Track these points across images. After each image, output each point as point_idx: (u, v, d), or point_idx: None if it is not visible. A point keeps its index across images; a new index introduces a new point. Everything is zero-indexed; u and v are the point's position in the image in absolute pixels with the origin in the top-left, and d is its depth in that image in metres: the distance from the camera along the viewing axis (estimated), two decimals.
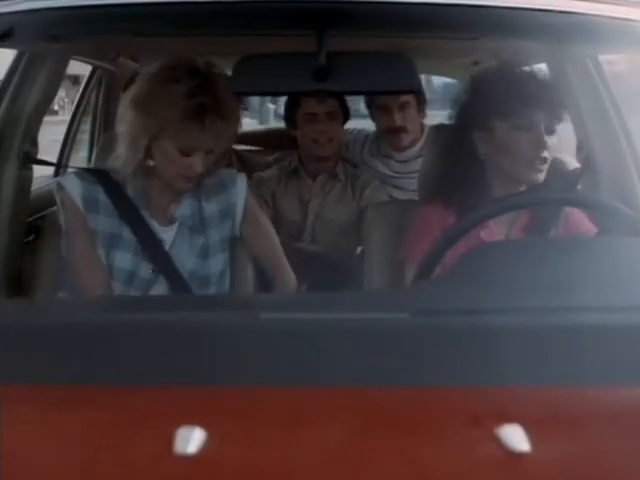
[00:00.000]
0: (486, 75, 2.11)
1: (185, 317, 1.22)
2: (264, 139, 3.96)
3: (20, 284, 2.14)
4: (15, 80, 2.25)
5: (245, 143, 3.78)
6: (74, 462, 0.96)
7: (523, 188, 1.91)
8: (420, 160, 2.73)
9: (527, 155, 1.87)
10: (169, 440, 0.95)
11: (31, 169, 2.28)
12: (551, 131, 1.87)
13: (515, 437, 0.95)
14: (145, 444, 0.99)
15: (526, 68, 2.05)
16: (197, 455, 0.93)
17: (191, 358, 1.12)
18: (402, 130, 3.07)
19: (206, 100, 1.80)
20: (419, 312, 1.22)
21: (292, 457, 0.96)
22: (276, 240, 2.10)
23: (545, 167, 1.87)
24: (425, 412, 1.08)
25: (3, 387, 1.06)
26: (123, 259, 1.88)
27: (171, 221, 1.94)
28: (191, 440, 0.94)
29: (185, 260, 1.92)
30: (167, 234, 1.93)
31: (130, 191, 1.91)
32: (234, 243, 2.03)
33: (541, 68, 2.19)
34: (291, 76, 1.90)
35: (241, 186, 2.00)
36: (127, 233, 1.89)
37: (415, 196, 2.34)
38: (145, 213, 1.91)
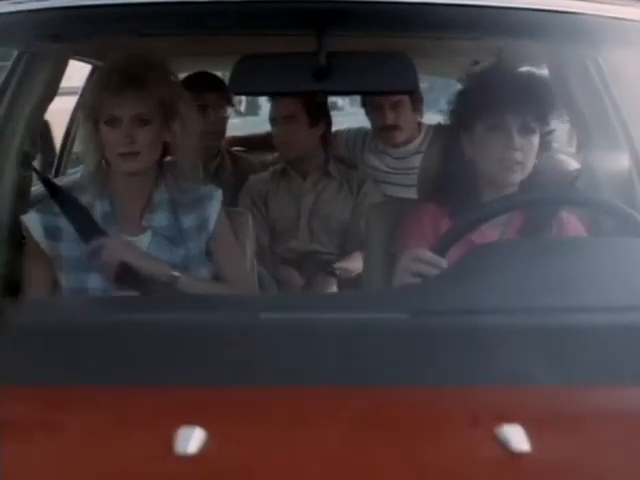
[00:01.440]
0: (472, 76, 2.12)
1: (185, 317, 1.22)
2: (265, 142, 3.95)
3: (20, 284, 2.14)
4: (15, 80, 2.24)
5: (244, 146, 3.77)
6: (74, 462, 0.96)
7: (511, 190, 1.91)
8: (417, 157, 2.74)
9: (497, 155, 1.87)
10: (169, 440, 0.95)
11: (31, 169, 2.27)
12: (529, 131, 1.87)
13: (515, 437, 0.95)
14: (145, 444, 0.99)
15: (514, 69, 2.06)
16: (197, 455, 0.93)
17: (191, 358, 1.12)
18: (395, 128, 3.06)
19: (114, 67, 1.87)
20: (419, 312, 1.22)
21: (292, 457, 0.96)
22: (243, 262, 2.07)
23: (519, 168, 1.87)
24: (425, 412, 1.08)
25: (3, 387, 1.06)
26: (96, 280, 1.88)
27: (143, 230, 1.94)
28: (191, 440, 0.94)
29: None
30: (140, 243, 1.92)
31: (99, 209, 1.92)
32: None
33: (527, 69, 2.19)
34: (291, 76, 1.90)
35: (216, 202, 1.99)
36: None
37: (410, 193, 2.35)
38: (113, 229, 1.91)
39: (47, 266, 1.93)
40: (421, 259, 1.53)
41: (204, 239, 1.97)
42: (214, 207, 1.98)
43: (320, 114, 2.88)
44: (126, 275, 1.84)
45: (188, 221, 1.96)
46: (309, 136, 2.86)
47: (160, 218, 1.94)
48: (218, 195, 2.00)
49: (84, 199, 1.94)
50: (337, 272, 2.73)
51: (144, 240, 1.93)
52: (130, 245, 1.89)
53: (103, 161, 1.92)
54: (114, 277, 1.84)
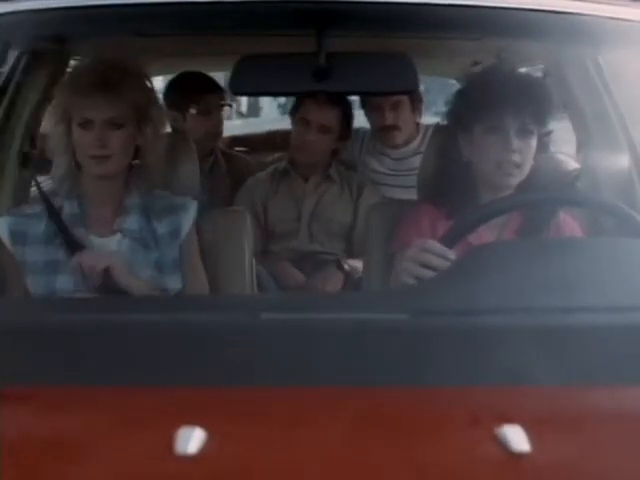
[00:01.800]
0: (470, 77, 2.12)
1: (185, 317, 1.23)
2: (265, 141, 3.94)
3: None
4: (15, 80, 2.25)
5: (245, 146, 3.76)
6: (74, 462, 0.96)
7: (508, 192, 1.91)
8: (416, 158, 2.74)
9: (495, 158, 1.88)
10: (169, 440, 0.95)
11: (31, 169, 2.28)
12: (527, 133, 1.87)
13: (515, 437, 0.95)
14: (145, 444, 0.99)
15: (513, 70, 2.06)
16: (197, 455, 0.93)
17: (191, 358, 1.12)
18: (394, 129, 3.06)
19: (88, 70, 1.88)
20: (419, 312, 1.22)
21: (292, 457, 0.96)
22: (203, 278, 2.03)
23: (517, 171, 1.87)
24: (425, 412, 1.08)
25: (3, 387, 1.06)
26: (66, 282, 1.87)
27: (113, 232, 1.93)
28: (191, 440, 0.94)
29: (141, 272, 1.90)
30: (109, 244, 1.91)
31: (67, 211, 1.92)
32: None
33: (526, 70, 2.19)
34: (291, 76, 1.90)
35: (190, 213, 1.98)
36: (65, 257, 1.88)
37: (410, 194, 2.34)
38: (80, 231, 1.91)
39: (17, 271, 1.92)
40: (429, 250, 1.52)
41: (176, 247, 1.96)
42: (187, 218, 1.97)
43: (350, 130, 2.88)
44: (109, 283, 1.81)
45: (161, 227, 1.95)
46: (331, 147, 2.85)
47: (131, 221, 1.93)
48: (193, 207, 1.99)
49: (56, 201, 1.94)
50: (346, 267, 2.72)
51: (114, 241, 1.92)
52: (112, 254, 1.88)
53: (73, 163, 1.90)
54: (98, 284, 1.81)
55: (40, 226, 1.91)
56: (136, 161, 1.93)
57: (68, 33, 2.01)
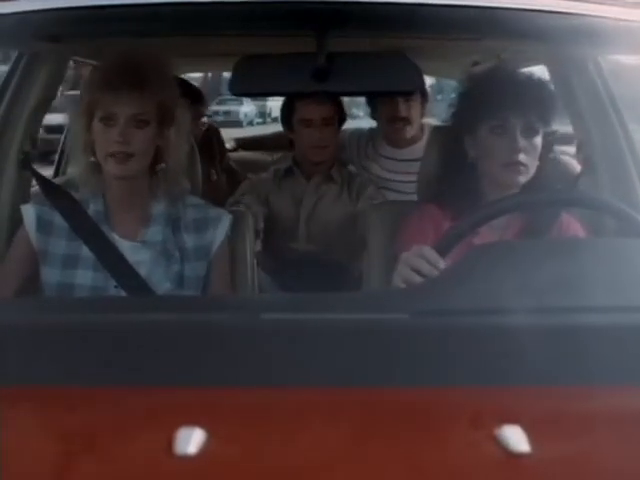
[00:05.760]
0: (473, 78, 2.12)
1: (185, 317, 1.22)
2: (271, 142, 3.93)
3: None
4: (15, 80, 2.25)
5: (254, 149, 3.76)
6: (74, 462, 0.96)
7: (513, 192, 1.91)
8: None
9: (501, 157, 1.87)
10: (169, 440, 0.95)
11: (31, 169, 2.28)
12: (532, 132, 1.87)
13: (515, 438, 0.95)
14: (145, 444, 0.99)
15: (516, 70, 2.06)
16: (197, 455, 0.93)
17: (191, 358, 1.12)
18: (406, 121, 3.06)
19: (116, 64, 1.84)
20: (419, 312, 1.22)
21: (292, 457, 0.96)
22: (229, 286, 2.03)
23: (523, 169, 1.87)
24: (425, 412, 1.08)
25: (3, 387, 1.06)
26: (84, 276, 1.86)
27: (138, 237, 1.91)
28: (191, 440, 0.94)
29: (158, 283, 1.88)
30: (133, 250, 1.90)
31: (91, 207, 1.91)
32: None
33: (529, 70, 2.19)
34: (291, 77, 1.90)
35: (222, 228, 1.95)
36: (86, 252, 1.88)
37: (412, 198, 2.34)
38: (105, 228, 1.89)
39: (29, 258, 1.91)
40: (423, 256, 1.53)
41: (203, 264, 1.93)
42: (220, 233, 1.95)
43: (344, 110, 2.91)
44: None
45: (190, 240, 1.93)
46: (338, 139, 2.88)
47: (155, 233, 1.91)
48: (226, 220, 1.96)
49: (78, 196, 1.93)
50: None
51: (136, 246, 1.90)
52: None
53: (91, 160, 1.87)
54: None
55: (66, 219, 1.90)
56: (161, 165, 1.90)
57: (68, 33, 2.01)
